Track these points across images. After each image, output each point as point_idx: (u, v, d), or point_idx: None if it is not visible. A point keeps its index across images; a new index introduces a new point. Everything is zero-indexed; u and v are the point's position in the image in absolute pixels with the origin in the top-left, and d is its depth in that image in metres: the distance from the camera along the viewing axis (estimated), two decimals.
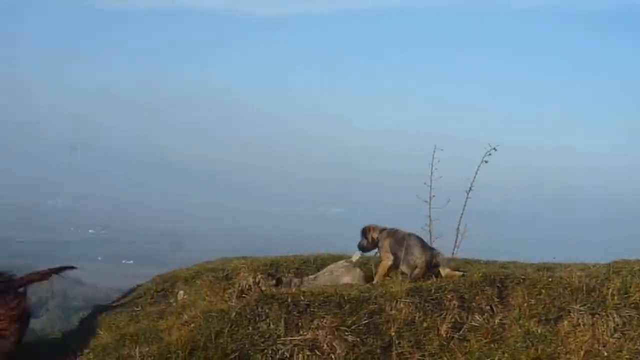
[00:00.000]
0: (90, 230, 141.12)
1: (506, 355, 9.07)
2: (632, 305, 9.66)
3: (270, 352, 8.92)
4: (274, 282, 10.73)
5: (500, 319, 9.57)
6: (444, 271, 10.42)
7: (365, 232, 11.08)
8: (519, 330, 9.42)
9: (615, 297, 9.73)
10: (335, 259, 11.58)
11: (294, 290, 9.94)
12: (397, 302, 9.47)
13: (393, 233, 10.87)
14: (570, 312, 9.61)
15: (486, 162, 14.05)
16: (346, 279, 10.68)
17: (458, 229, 13.95)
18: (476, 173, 14.11)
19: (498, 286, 9.90)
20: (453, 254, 13.41)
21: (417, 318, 9.38)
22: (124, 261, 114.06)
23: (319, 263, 11.68)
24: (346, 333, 9.09)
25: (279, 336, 9.04)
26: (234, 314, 9.25)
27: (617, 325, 9.49)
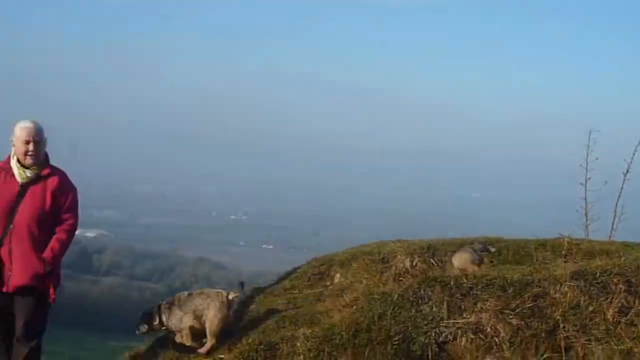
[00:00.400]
0: (231, 216, 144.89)
1: None
2: None
3: (433, 334, 8.94)
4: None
5: None
6: None
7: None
8: None
9: None
10: (491, 241, 11.43)
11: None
12: (561, 285, 9.31)
13: None
14: None
15: None
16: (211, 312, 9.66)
17: (615, 211, 13.66)
18: (634, 154, 13.77)
19: None
20: (610, 237, 13.13)
21: (582, 302, 9.19)
22: (264, 246, 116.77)
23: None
24: (510, 316, 9.01)
25: (442, 319, 9.05)
26: (396, 296, 9.31)
27: None
